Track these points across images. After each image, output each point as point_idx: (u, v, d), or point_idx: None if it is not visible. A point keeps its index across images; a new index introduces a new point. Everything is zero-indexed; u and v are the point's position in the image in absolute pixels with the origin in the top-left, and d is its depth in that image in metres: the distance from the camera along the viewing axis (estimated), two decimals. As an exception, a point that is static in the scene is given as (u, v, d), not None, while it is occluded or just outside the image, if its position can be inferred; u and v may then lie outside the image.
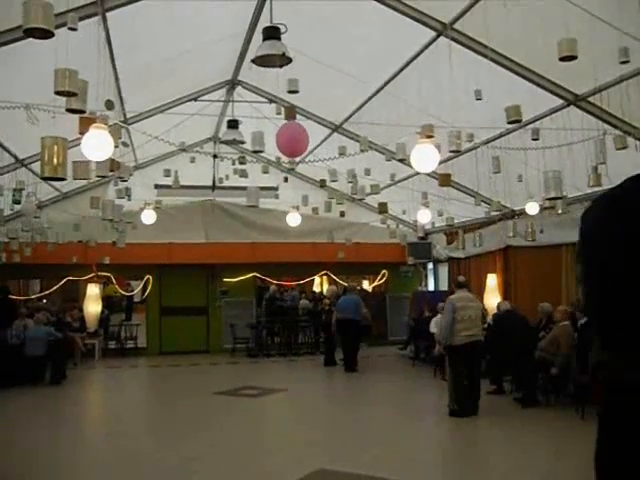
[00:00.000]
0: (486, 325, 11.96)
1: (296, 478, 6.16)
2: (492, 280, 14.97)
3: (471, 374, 9.35)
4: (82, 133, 6.12)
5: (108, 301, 19.27)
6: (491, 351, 10.86)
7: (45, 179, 5.83)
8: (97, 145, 5.93)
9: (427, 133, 7.33)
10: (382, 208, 13.05)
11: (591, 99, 8.89)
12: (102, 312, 17.44)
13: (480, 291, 14.80)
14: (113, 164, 8.83)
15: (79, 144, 6.26)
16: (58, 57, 5.64)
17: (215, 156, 12.13)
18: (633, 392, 1.69)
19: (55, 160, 4.85)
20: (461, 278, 10.92)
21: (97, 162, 7.50)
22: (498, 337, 10.90)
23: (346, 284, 17.34)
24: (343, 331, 14.44)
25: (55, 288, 17.46)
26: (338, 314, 14.59)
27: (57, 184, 13.37)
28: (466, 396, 9.23)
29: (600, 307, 1.92)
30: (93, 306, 16.89)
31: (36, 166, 10.87)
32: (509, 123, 7.62)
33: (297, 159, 11.77)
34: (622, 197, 1.87)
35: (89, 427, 9.72)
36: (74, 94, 5.49)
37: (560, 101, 9.20)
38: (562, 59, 6.11)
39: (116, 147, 7.53)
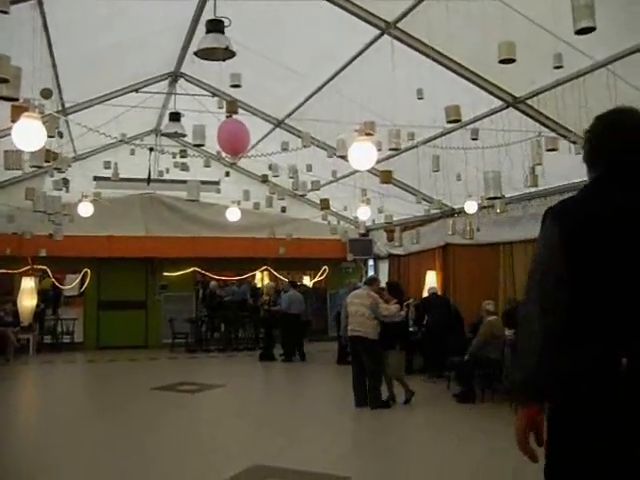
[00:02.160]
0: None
1: (231, 474, 6.11)
2: (431, 277, 15.17)
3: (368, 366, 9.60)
4: (14, 121, 5.93)
5: (44, 295, 18.69)
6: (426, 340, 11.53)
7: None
8: (28, 135, 5.76)
9: (367, 131, 7.36)
10: (324, 204, 13.09)
11: (529, 102, 9.10)
12: (37, 306, 16.97)
13: (420, 287, 15.00)
14: (49, 154, 8.60)
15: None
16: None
17: (151, 149, 11.93)
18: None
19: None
20: (370, 276, 11.17)
21: (31, 152, 7.26)
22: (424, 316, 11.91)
23: (287, 279, 17.35)
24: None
25: (-13, 281, 16.92)
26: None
27: (-10, 174, 12.95)
28: (358, 387, 9.59)
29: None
30: (28, 300, 16.39)
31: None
32: (448, 122, 7.73)
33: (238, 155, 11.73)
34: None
35: (19, 425, 9.46)
36: (6, 80, 5.32)
37: (499, 102, 9.37)
38: (501, 61, 6.22)
39: (51, 137, 7.32)
